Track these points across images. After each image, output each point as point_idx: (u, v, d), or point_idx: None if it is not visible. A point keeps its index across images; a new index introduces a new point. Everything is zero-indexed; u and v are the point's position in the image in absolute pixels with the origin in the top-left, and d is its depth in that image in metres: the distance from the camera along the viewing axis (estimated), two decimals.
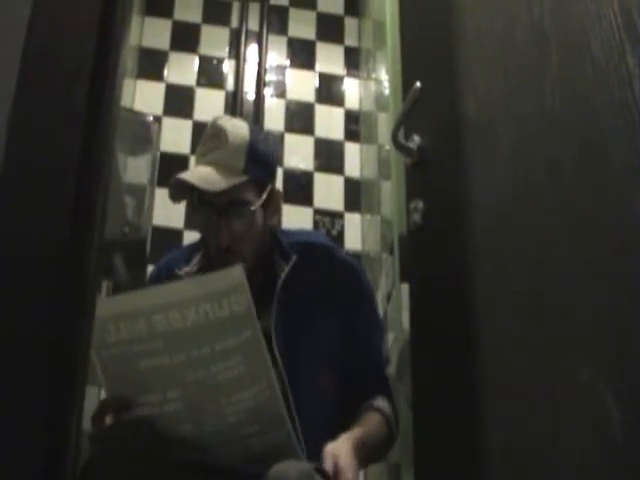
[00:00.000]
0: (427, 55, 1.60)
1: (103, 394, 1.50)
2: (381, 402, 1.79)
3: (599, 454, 0.90)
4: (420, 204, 1.47)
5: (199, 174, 1.73)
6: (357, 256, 3.14)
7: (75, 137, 0.84)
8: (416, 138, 1.52)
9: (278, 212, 1.89)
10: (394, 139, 1.52)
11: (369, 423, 1.73)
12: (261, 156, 1.80)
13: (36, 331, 0.76)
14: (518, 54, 1.19)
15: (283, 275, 1.77)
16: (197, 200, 1.78)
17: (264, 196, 1.79)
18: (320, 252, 1.87)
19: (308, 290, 1.80)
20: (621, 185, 0.89)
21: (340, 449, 1.55)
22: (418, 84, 1.48)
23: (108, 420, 1.44)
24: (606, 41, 0.94)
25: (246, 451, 1.47)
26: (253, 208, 1.76)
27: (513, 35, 1.21)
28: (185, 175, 1.74)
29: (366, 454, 1.64)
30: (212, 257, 1.79)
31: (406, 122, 1.56)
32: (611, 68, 0.93)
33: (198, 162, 1.80)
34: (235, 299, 1.36)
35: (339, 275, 1.86)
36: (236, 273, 1.38)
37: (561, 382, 1.00)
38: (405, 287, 2.13)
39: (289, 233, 1.94)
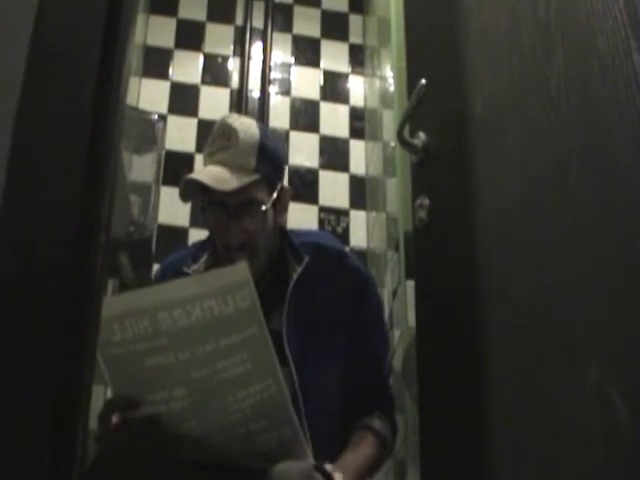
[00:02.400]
0: (432, 52, 1.60)
1: (109, 393, 1.50)
2: (377, 422, 1.78)
3: (608, 452, 0.90)
4: (426, 201, 1.47)
5: (210, 174, 1.72)
6: (363, 253, 3.15)
7: (81, 137, 0.84)
8: (422, 135, 1.52)
9: (286, 210, 1.89)
10: (399, 136, 1.51)
11: (361, 447, 1.72)
12: (271, 154, 1.79)
13: (41, 332, 0.76)
14: (524, 51, 1.19)
15: (295, 275, 1.77)
16: (207, 200, 1.77)
17: (275, 195, 1.79)
18: (332, 255, 1.87)
19: (318, 292, 1.80)
20: (626, 184, 0.89)
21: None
22: (423, 81, 1.48)
23: (114, 419, 1.44)
24: (612, 38, 0.94)
25: (253, 449, 1.47)
26: (265, 207, 1.75)
27: (519, 32, 1.21)
28: (196, 175, 1.73)
29: (356, 477, 1.65)
30: (221, 256, 1.78)
31: (411, 119, 1.55)
32: (617, 66, 0.92)
33: (207, 162, 1.79)
34: (240, 295, 1.36)
35: (349, 281, 1.86)
36: (240, 269, 1.38)
37: (568, 381, 1.00)
38: (411, 284, 2.13)
39: (299, 233, 1.93)
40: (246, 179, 1.72)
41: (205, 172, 1.75)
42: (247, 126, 1.79)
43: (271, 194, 1.78)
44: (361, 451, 1.71)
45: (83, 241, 0.79)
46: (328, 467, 1.53)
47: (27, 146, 0.82)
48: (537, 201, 1.12)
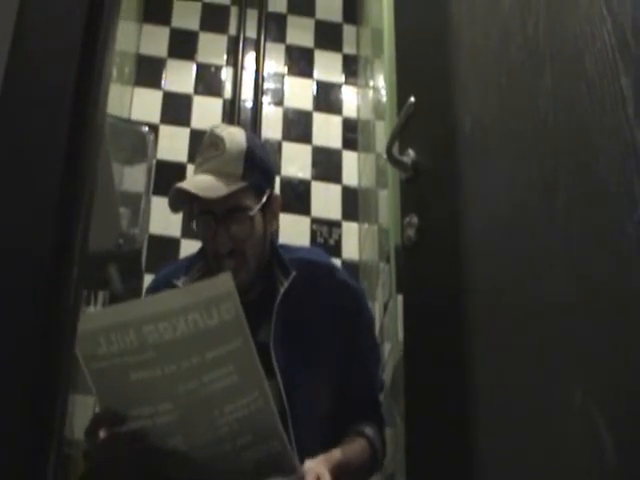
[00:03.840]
0: (422, 68, 1.59)
1: (97, 407, 1.49)
2: (368, 429, 1.79)
3: (592, 476, 0.90)
4: (415, 219, 1.46)
5: (198, 182, 1.73)
6: (355, 266, 3.14)
7: (59, 147, 0.83)
8: (411, 152, 1.52)
9: (277, 217, 1.90)
10: (389, 153, 1.51)
11: (353, 447, 1.73)
12: (259, 162, 1.80)
13: (16, 346, 0.75)
14: (512, 71, 1.18)
15: (282, 289, 1.77)
16: (196, 209, 1.78)
17: (263, 201, 1.79)
18: (322, 271, 1.88)
19: (307, 307, 1.80)
20: (613, 206, 0.89)
21: (320, 469, 1.54)
22: (412, 99, 1.47)
23: (101, 434, 1.43)
24: (600, 61, 0.94)
25: (240, 465, 1.45)
26: (252, 213, 1.76)
27: (508, 52, 1.20)
28: (184, 184, 1.74)
29: (345, 476, 1.64)
30: (211, 264, 1.79)
31: (401, 136, 1.55)
32: (605, 88, 0.92)
33: (196, 171, 1.80)
34: (224, 307, 1.35)
35: (339, 296, 1.86)
36: (225, 281, 1.37)
37: (554, 403, 0.99)
38: (402, 298, 2.12)
39: (290, 249, 1.94)
40: (233, 186, 1.73)
41: (192, 181, 1.76)
42: (235, 135, 1.80)
43: (259, 201, 1.78)
44: (350, 449, 1.71)
45: (58, 259, 0.78)
46: (311, 462, 1.53)
47: (3, 157, 0.81)
48: (525, 221, 1.11)
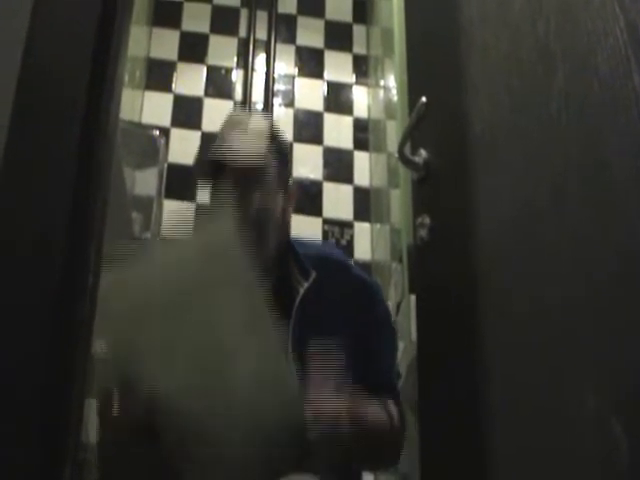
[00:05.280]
0: (433, 69, 1.59)
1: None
2: (388, 401, 1.78)
3: (606, 475, 0.89)
4: (427, 220, 1.46)
5: (227, 149, 1.76)
6: (367, 266, 3.13)
7: (71, 155, 0.84)
8: (423, 152, 1.51)
9: (292, 206, 1.90)
10: (400, 153, 1.51)
11: (369, 403, 1.70)
12: (280, 146, 1.85)
13: (32, 352, 0.76)
14: (523, 70, 1.18)
15: (302, 289, 1.76)
16: (224, 174, 1.77)
17: (285, 180, 1.83)
18: (337, 267, 1.86)
19: (324, 305, 1.79)
20: (624, 206, 0.88)
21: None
22: (424, 99, 1.47)
23: (115, 412, 1.43)
24: (612, 58, 0.93)
25: (256, 424, 1.43)
26: (276, 184, 1.78)
27: (518, 50, 1.20)
28: (214, 151, 1.77)
29: (356, 420, 1.61)
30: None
31: (412, 136, 1.54)
32: (617, 86, 0.91)
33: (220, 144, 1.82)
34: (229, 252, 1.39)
35: (354, 292, 1.84)
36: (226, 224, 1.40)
37: (567, 402, 0.99)
38: (414, 298, 2.12)
39: (303, 244, 1.92)
40: (261, 152, 1.75)
41: (222, 148, 1.78)
42: (255, 116, 1.87)
43: (281, 179, 1.81)
44: (369, 407, 1.69)
45: (71, 267, 0.78)
46: None
47: (17, 168, 0.82)
48: (536, 222, 1.11)
